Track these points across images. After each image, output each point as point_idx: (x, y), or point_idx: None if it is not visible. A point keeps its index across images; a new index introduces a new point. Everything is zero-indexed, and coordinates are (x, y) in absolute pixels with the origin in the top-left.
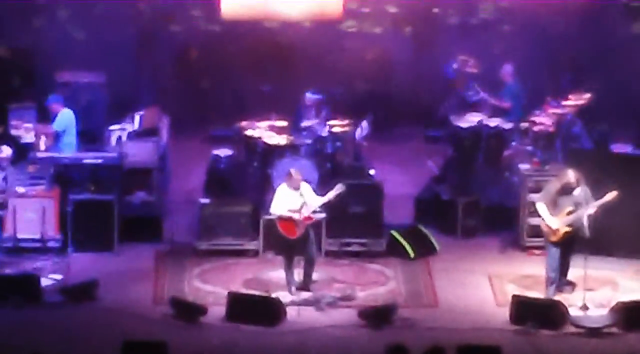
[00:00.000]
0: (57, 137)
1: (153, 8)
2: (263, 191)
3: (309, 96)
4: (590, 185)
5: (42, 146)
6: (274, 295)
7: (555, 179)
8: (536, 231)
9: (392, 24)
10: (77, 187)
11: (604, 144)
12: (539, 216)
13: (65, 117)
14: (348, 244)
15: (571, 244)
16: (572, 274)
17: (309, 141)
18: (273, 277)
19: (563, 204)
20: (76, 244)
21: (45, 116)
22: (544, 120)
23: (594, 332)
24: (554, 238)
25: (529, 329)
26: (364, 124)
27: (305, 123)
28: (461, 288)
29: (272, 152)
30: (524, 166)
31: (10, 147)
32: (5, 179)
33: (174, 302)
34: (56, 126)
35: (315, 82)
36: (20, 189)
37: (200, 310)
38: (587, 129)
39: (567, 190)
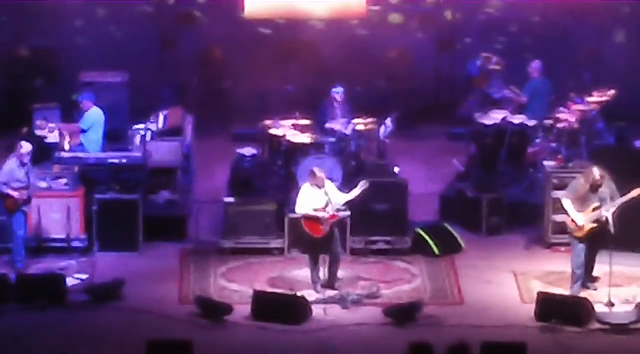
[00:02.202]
0: (82, 134)
1: (176, 7)
2: (287, 189)
3: (337, 91)
4: (615, 181)
5: (67, 146)
6: (299, 294)
7: (580, 176)
8: (561, 228)
9: (416, 22)
10: (102, 187)
11: (625, 141)
12: (565, 212)
13: (93, 115)
14: (373, 242)
15: (597, 241)
16: (598, 270)
17: (333, 140)
18: (298, 275)
19: (589, 200)
20: (101, 243)
21: (69, 116)
22: (568, 117)
23: (620, 329)
24: (579, 235)
25: (555, 326)
26: (388, 122)
27: (329, 124)
28: (486, 286)
29: (296, 151)
30: (548, 163)
31: (35, 147)
32: (27, 174)
33: (199, 301)
34: (83, 123)
35: (338, 81)
36: (42, 184)
37: (226, 309)
38: (608, 126)
39: (592, 187)
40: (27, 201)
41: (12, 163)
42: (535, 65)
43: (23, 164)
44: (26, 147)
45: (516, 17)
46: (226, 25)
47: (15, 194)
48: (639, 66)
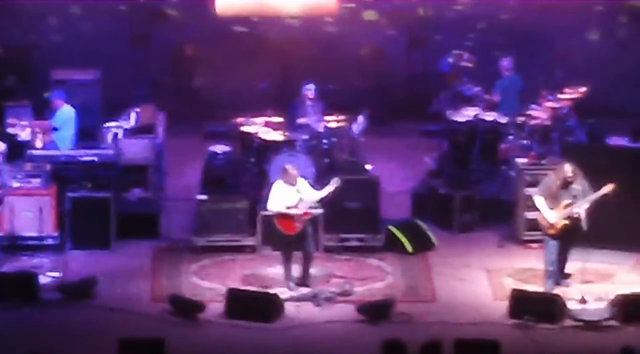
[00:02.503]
0: (54, 132)
1: (148, 4)
2: (260, 186)
3: (308, 88)
4: (587, 178)
5: (39, 144)
6: (272, 291)
7: (552, 172)
8: (533, 225)
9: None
10: (74, 185)
11: (597, 137)
12: (537, 209)
13: (64, 113)
14: (345, 240)
15: (569, 238)
16: (570, 267)
17: (305, 137)
18: (271, 273)
19: (561, 197)
20: (73, 241)
21: (41, 114)
22: (539, 114)
23: (592, 325)
24: (551, 231)
25: (527, 323)
26: (360, 119)
27: (301, 119)
28: (459, 283)
29: (268, 148)
30: (520, 160)
31: (7, 145)
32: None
33: (172, 299)
34: (55, 121)
35: (310, 78)
36: (15, 184)
37: (199, 307)
38: (579, 123)
39: (564, 183)
40: None
41: None
42: (505, 63)
43: None
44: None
45: (487, 14)
46: (198, 22)
47: None
48: (610, 63)
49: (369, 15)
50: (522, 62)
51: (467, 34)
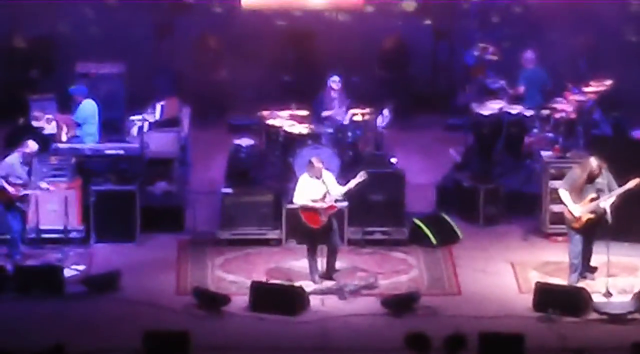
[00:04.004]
0: (77, 127)
1: None
2: (284, 180)
3: (333, 80)
4: (612, 172)
5: (64, 137)
6: (297, 284)
7: (577, 166)
8: (558, 218)
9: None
10: (99, 178)
11: (622, 131)
12: (562, 203)
13: (86, 108)
14: (370, 233)
15: (594, 231)
16: (595, 260)
17: (330, 130)
18: (296, 266)
19: (586, 191)
20: (98, 234)
21: (66, 107)
22: (564, 107)
23: (617, 318)
24: (576, 225)
25: (552, 316)
26: (385, 112)
27: (326, 112)
28: (483, 276)
29: (293, 142)
30: (545, 153)
31: (32, 138)
32: (29, 173)
33: (196, 292)
34: (77, 117)
35: (334, 71)
36: (44, 185)
37: (223, 300)
38: (605, 116)
39: (589, 177)
40: (22, 199)
41: (14, 158)
42: (528, 55)
43: (25, 163)
44: (32, 146)
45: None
46: (222, 14)
47: (10, 189)
48: (635, 56)
49: (408, 6)
50: (546, 54)
51: (492, 26)
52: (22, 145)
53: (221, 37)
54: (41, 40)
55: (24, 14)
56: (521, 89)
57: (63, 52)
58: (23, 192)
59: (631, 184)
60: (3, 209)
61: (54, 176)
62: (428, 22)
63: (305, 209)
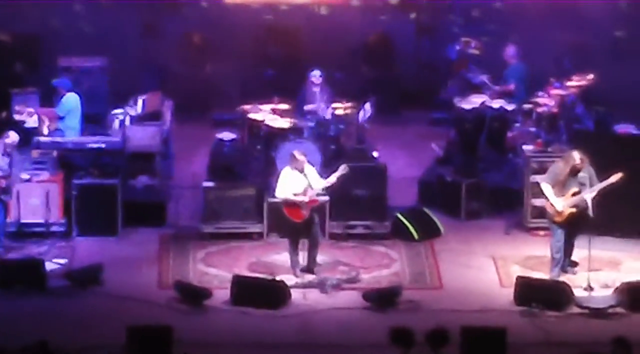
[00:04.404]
0: (60, 120)
1: None
2: (267, 174)
3: (314, 75)
4: (594, 166)
5: (45, 131)
6: (278, 278)
7: (559, 160)
8: (540, 212)
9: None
10: (81, 172)
11: (604, 125)
12: (544, 197)
13: (68, 101)
14: (352, 227)
15: (576, 225)
16: (577, 255)
17: (312, 124)
18: (277, 260)
19: (568, 185)
20: (80, 228)
21: (48, 101)
22: (547, 101)
23: (598, 313)
24: (558, 219)
25: (534, 310)
26: (367, 106)
27: (308, 106)
28: (465, 270)
29: (275, 136)
30: (527, 147)
31: (14, 131)
32: (10, 164)
33: (178, 286)
34: (59, 109)
35: (317, 66)
36: (25, 176)
37: (205, 294)
38: (587, 110)
39: (572, 171)
40: (6, 190)
41: None
42: (510, 51)
43: (7, 154)
44: (12, 137)
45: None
46: (206, 10)
47: None
48: (618, 51)
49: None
50: (530, 50)
51: (475, 21)
52: (2, 136)
53: (205, 33)
54: (25, 34)
55: (9, 8)
56: (511, 86)
57: (48, 47)
58: (5, 183)
59: (613, 178)
60: None
61: (36, 169)
62: (412, 16)
63: (287, 203)
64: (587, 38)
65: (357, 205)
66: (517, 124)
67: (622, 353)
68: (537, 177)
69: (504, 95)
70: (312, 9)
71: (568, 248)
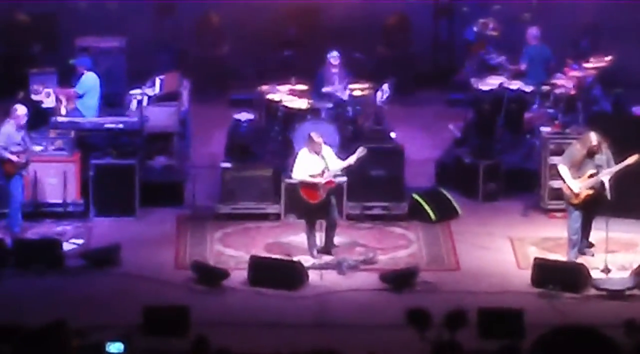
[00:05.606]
0: (78, 99)
1: None
2: (284, 155)
3: (332, 56)
4: (611, 148)
5: (63, 110)
6: (295, 259)
7: (577, 142)
8: (557, 194)
9: None
10: (99, 152)
11: (622, 107)
12: (561, 178)
13: (88, 79)
14: (369, 208)
15: (593, 207)
16: (594, 237)
17: (329, 105)
18: (295, 241)
19: (585, 167)
20: (98, 208)
21: (66, 81)
22: (564, 83)
23: (615, 295)
24: (575, 201)
25: (551, 292)
26: (385, 87)
27: (326, 88)
28: (483, 251)
29: (293, 116)
30: (545, 129)
31: (32, 112)
32: (23, 138)
33: (195, 266)
34: (79, 88)
35: (335, 47)
36: (37, 148)
37: (222, 274)
38: (604, 92)
39: (589, 153)
40: (25, 165)
41: (8, 126)
42: (533, 32)
43: (20, 128)
44: (21, 109)
45: None
46: None
47: (14, 157)
48: (636, 33)
49: None
50: (548, 31)
51: (493, 2)
52: (11, 113)
53: (223, 13)
54: (43, 14)
55: None
56: (523, 66)
57: (65, 27)
58: (25, 158)
59: (630, 160)
60: (4, 181)
61: (53, 149)
62: None
63: (304, 184)
64: (605, 19)
65: (375, 186)
66: (535, 106)
67: (634, 335)
68: (554, 159)
69: (518, 76)
70: None
71: (585, 230)
